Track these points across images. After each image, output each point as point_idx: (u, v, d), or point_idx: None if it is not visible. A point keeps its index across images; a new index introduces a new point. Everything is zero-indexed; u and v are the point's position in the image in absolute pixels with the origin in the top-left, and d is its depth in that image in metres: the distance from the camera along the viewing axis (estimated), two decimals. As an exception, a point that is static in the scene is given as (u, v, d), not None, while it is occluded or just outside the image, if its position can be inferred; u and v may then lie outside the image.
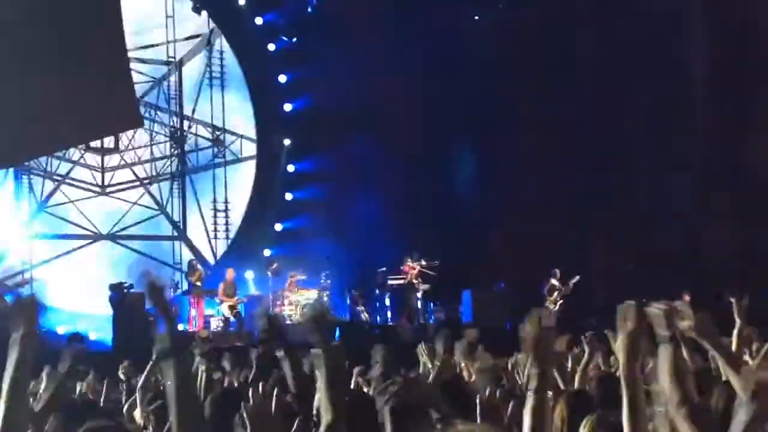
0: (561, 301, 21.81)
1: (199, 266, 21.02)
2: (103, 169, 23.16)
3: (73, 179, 22.91)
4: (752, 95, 23.25)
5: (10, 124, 18.53)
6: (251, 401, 4.13)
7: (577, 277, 21.84)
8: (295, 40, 25.34)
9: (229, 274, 20.99)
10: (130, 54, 21.36)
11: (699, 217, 23.40)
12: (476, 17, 25.16)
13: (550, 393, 4.49)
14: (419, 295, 22.11)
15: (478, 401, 5.21)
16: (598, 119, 24.06)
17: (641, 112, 24.38)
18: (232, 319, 20.41)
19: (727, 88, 23.24)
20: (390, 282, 22.11)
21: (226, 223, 24.73)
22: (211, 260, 24.06)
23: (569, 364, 7.42)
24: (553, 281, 22.00)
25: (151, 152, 23.97)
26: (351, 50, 23.95)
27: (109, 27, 20.29)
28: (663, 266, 22.49)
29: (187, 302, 20.66)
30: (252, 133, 25.49)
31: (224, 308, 20.43)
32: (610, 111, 24.19)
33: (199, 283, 20.51)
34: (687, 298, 21.04)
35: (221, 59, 25.13)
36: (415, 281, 21.93)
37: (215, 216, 24.61)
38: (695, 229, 23.33)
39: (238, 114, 25.48)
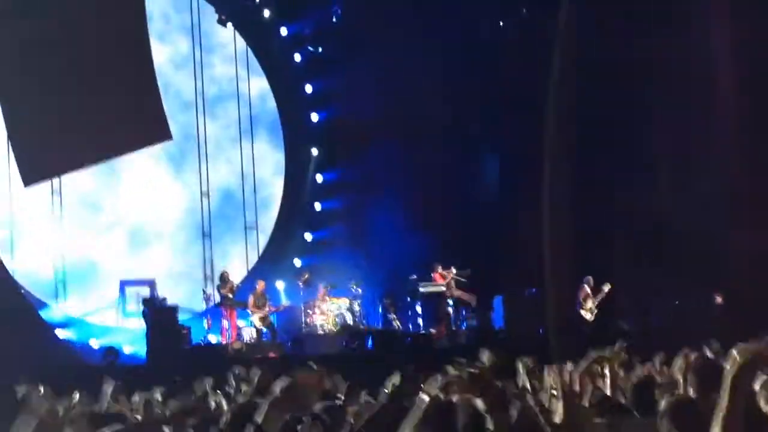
0: (596, 310, 21.75)
1: (230, 277, 21.08)
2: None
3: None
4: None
5: (38, 139, 18.71)
6: None
7: (608, 285, 21.74)
8: (320, 50, 25.43)
9: (260, 285, 21.02)
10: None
11: (727, 220, 23.23)
12: (500, 23, 25.12)
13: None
14: (450, 302, 22.07)
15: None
16: (624, 122, 23.98)
17: (667, 115, 24.28)
18: (264, 330, 20.44)
19: (754, 91, 23.13)
20: (421, 290, 22.07)
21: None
22: (243, 272, 24.11)
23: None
24: (587, 288, 21.90)
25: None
26: (376, 59, 24.03)
27: (135, 41, 20.43)
28: (691, 271, 22.38)
29: (220, 314, 20.72)
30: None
31: (255, 319, 20.47)
32: (635, 113, 24.11)
33: (230, 295, 20.56)
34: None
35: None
36: (448, 289, 21.89)
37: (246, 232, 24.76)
38: (724, 232, 23.17)
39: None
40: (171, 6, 24.11)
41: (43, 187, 20.92)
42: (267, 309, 20.60)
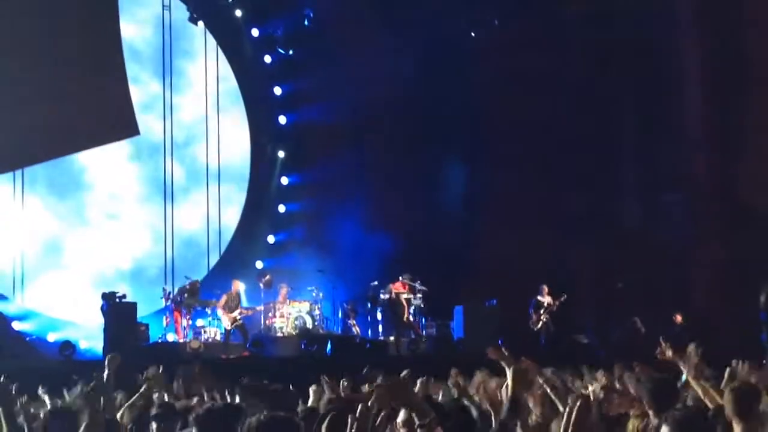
0: (547, 318, 21.83)
1: (198, 285, 20.98)
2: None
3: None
4: (744, 111, 23.34)
5: (5, 130, 18.54)
6: None
7: (564, 296, 21.84)
8: (291, 52, 25.37)
9: (235, 286, 20.85)
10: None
11: (689, 235, 23.44)
12: (472, 33, 25.19)
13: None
14: (411, 310, 22.05)
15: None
16: (590, 136, 24.14)
17: (632, 130, 24.51)
18: (233, 330, 20.21)
19: (718, 105, 23.35)
20: (382, 296, 22.04)
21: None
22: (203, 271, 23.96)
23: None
24: (540, 298, 22.01)
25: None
26: (346, 64, 24.05)
27: (106, 35, 20.30)
28: (653, 285, 22.55)
29: (171, 312, 20.57)
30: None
31: (225, 320, 20.30)
32: (600, 128, 24.29)
33: (192, 302, 20.45)
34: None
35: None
36: (407, 297, 21.89)
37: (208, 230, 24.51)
38: (686, 247, 23.37)
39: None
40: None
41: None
42: (239, 311, 20.40)
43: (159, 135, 23.50)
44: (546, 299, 21.94)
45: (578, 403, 3.63)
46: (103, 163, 22.57)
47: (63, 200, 22.17)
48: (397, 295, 21.50)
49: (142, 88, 23.13)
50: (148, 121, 22.97)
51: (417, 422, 4.78)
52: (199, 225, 24.29)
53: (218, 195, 24.53)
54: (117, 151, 22.62)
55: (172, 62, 23.85)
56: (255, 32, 25.24)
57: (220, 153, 24.60)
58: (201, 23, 24.08)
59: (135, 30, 23.29)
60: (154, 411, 7.22)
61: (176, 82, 24.06)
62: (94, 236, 22.43)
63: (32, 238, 21.59)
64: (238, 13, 24.79)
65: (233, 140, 25.09)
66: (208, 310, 20.77)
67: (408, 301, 21.79)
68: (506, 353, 6.01)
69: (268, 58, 25.51)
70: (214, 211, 24.42)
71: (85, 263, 22.05)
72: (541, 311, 21.88)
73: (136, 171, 23.29)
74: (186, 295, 20.48)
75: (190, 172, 24.38)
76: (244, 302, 21.46)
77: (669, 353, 7.37)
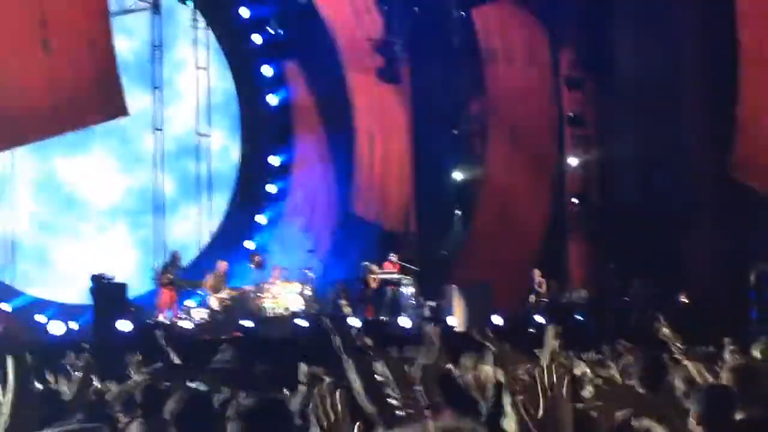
0: (538, 300, 21.87)
1: (181, 258, 20.85)
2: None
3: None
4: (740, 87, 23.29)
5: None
6: None
7: (540, 275, 21.92)
8: (281, 32, 25.27)
9: (221, 266, 20.78)
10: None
11: (683, 216, 23.42)
12: (462, 13, 25.15)
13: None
14: (404, 290, 22.07)
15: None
16: (584, 114, 24.13)
17: (628, 107, 24.47)
18: (219, 311, 20.13)
19: (716, 85, 23.30)
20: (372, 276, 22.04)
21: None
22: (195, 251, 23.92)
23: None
24: (532, 282, 22.12)
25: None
26: (335, 44, 23.98)
27: (95, 16, 20.14)
28: (645, 265, 22.54)
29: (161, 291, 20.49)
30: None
31: (212, 301, 20.19)
32: (596, 106, 24.27)
33: (171, 276, 20.34)
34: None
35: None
36: (397, 277, 21.94)
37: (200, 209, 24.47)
38: (679, 227, 23.35)
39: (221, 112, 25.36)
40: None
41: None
42: (227, 292, 20.31)
43: (149, 146, 23.42)
44: (536, 284, 22.05)
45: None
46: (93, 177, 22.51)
47: (53, 214, 22.03)
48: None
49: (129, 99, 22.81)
50: (137, 132, 22.93)
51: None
52: (191, 236, 24.25)
53: (210, 205, 24.63)
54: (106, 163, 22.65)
55: (162, 70, 23.74)
56: (245, 12, 25.11)
57: (210, 162, 24.66)
58: (190, 3, 24.02)
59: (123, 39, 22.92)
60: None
61: (165, 92, 23.91)
62: (85, 249, 22.18)
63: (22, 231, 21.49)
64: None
65: (224, 149, 25.17)
66: (200, 291, 20.67)
67: (398, 281, 21.86)
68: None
69: (258, 38, 25.40)
70: (206, 221, 24.53)
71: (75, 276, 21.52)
72: (533, 295, 22.00)
73: (126, 183, 23.17)
74: (169, 267, 20.38)
75: (180, 184, 24.31)
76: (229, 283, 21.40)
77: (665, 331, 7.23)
